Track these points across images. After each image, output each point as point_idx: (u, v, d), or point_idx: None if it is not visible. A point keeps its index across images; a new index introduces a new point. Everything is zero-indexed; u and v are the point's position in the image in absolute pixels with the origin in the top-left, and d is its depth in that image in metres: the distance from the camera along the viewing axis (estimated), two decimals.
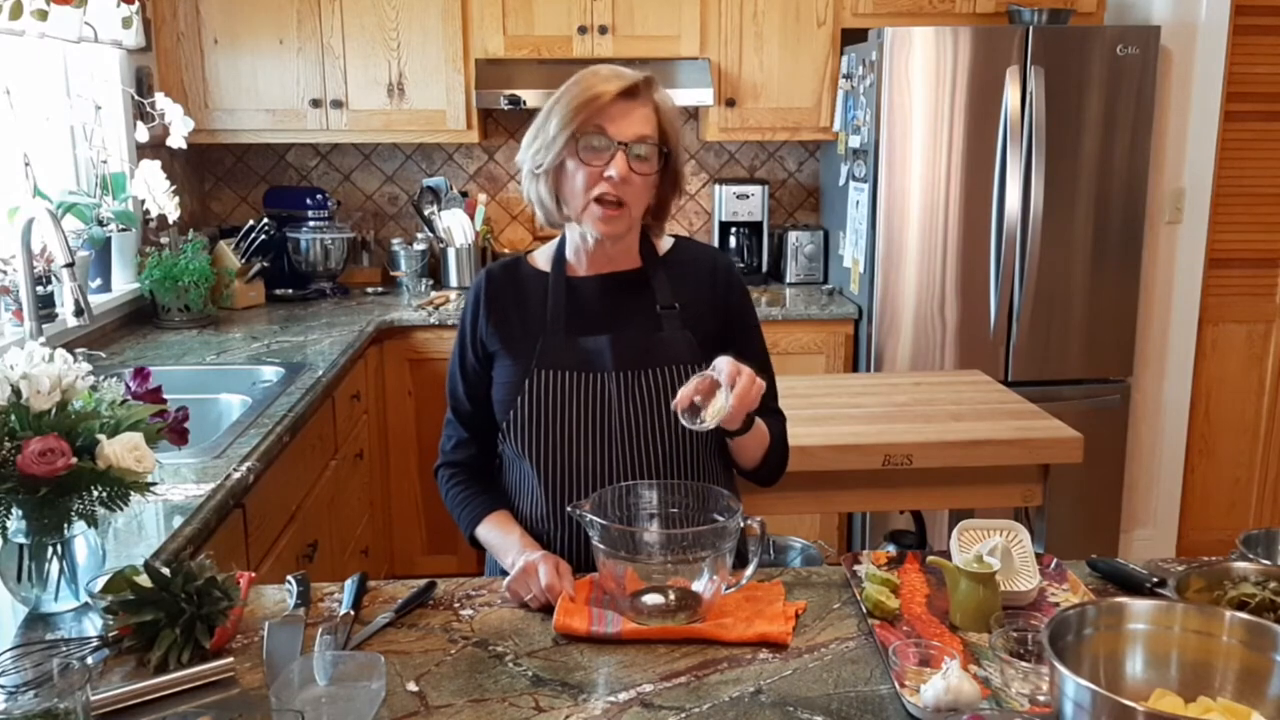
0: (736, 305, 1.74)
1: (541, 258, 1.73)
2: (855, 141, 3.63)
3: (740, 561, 1.51)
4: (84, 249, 3.03)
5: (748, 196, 4.03)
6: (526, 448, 1.65)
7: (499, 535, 1.67)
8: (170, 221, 3.25)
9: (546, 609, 1.47)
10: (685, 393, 1.48)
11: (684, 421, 1.48)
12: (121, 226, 3.23)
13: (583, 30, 3.69)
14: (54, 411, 1.40)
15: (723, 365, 1.50)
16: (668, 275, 1.70)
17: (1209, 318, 3.83)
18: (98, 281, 3.18)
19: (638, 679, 1.31)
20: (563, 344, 1.64)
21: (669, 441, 1.63)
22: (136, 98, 3.33)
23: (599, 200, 1.57)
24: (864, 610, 1.47)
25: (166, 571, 1.35)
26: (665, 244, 1.75)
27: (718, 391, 1.47)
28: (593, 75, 1.58)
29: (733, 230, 4.07)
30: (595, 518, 1.43)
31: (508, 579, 1.54)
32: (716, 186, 4.06)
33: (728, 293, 1.73)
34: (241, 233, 3.72)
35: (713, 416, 1.46)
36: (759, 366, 1.72)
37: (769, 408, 1.75)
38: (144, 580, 1.36)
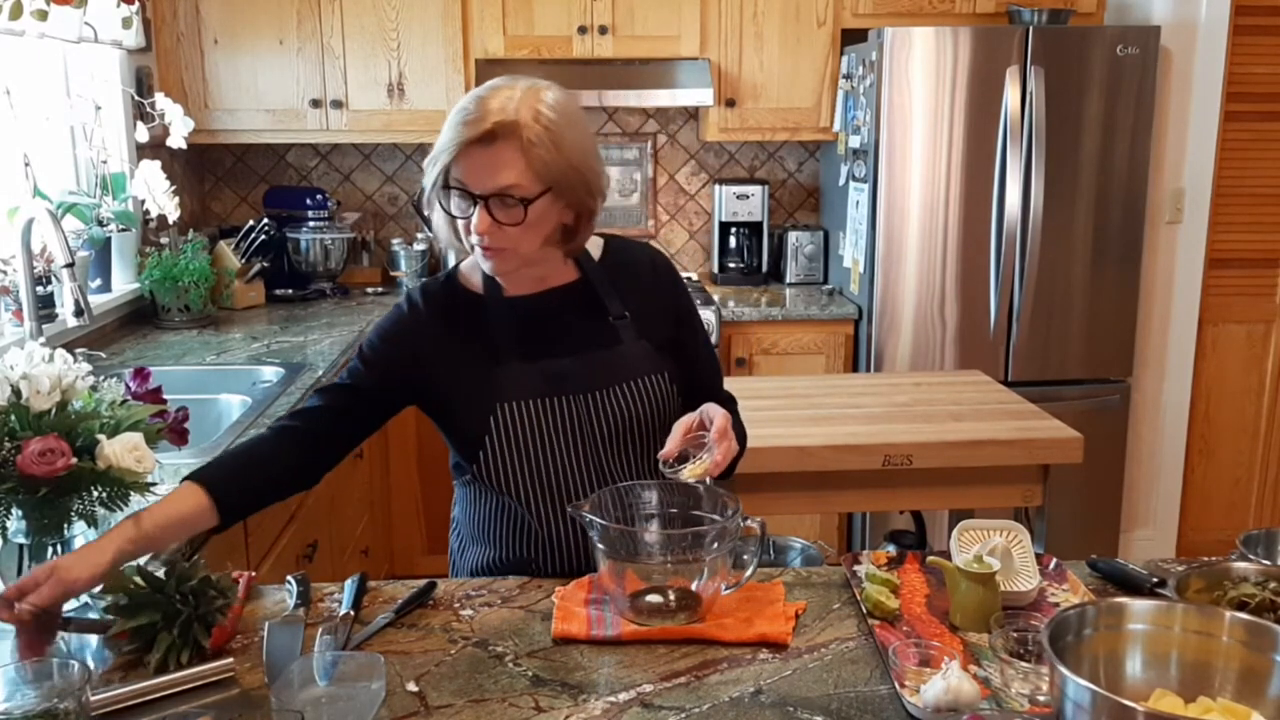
0: (683, 303, 1.71)
1: (473, 274, 1.63)
2: (855, 141, 3.63)
3: (739, 562, 1.51)
4: (84, 249, 3.03)
5: (748, 197, 4.03)
6: (507, 482, 1.60)
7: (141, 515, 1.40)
8: (170, 221, 3.25)
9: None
10: (671, 447, 1.48)
11: (664, 470, 1.48)
12: (121, 226, 3.23)
13: (583, 30, 3.69)
14: (54, 411, 1.40)
15: (713, 422, 1.48)
16: (611, 283, 1.64)
17: (1209, 318, 3.83)
18: (98, 281, 3.18)
19: (638, 679, 1.31)
20: (523, 372, 1.58)
21: (645, 455, 1.62)
22: (136, 98, 3.33)
23: (479, 245, 1.50)
24: (864, 610, 1.47)
25: (160, 574, 1.35)
26: (596, 246, 1.68)
27: (703, 454, 1.47)
28: (461, 110, 1.45)
29: (733, 230, 4.07)
30: (595, 518, 1.43)
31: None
32: (716, 186, 4.06)
33: (672, 292, 1.70)
34: (241, 233, 3.72)
35: (690, 474, 1.47)
36: (708, 358, 1.74)
37: (721, 397, 1.71)
38: (140, 583, 1.36)
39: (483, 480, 1.62)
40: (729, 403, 1.73)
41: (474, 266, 1.63)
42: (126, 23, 3.19)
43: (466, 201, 1.47)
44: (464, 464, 1.65)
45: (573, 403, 1.58)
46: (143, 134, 3.27)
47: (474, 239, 1.49)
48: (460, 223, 1.50)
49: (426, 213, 1.54)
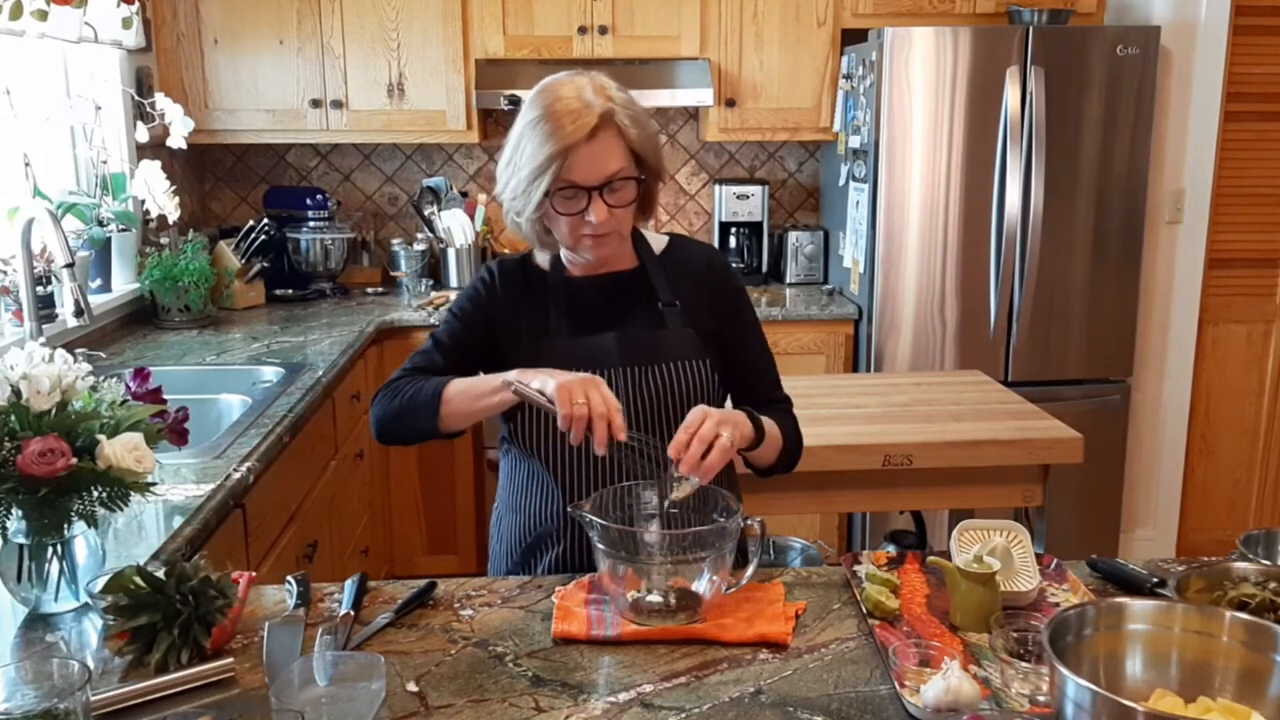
0: (732, 303, 1.75)
1: (542, 257, 1.74)
2: (855, 141, 3.63)
3: (740, 561, 1.51)
4: (84, 249, 3.03)
5: (748, 197, 4.03)
6: (537, 447, 1.66)
7: (478, 379, 1.62)
8: (170, 221, 3.25)
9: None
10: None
11: (670, 505, 1.48)
12: (121, 227, 3.23)
13: (583, 30, 3.69)
14: (54, 412, 1.40)
15: (688, 423, 1.47)
16: (666, 274, 1.71)
17: (1209, 318, 3.83)
18: (98, 282, 3.18)
19: (638, 679, 1.31)
20: (568, 344, 1.65)
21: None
22: (136, 98, 3.33)
23: (586, 235, 1.59)
24: (864, 610, 1.47)
25: (160, 574, 1.35)
26: (660, 242, 1.76)
27: (680, 479, 1.47)
28: (556, 114, 1.52)
29: (733, 230, 4.07)
30: (595, 518, 1.43)
31: (553, 383, 1.46)
32: (716, 186, 4.06)
33: (724, 291, 1.74)
34: (241, 233, 3.72)
35: (680, 495, 1.46)
36: (759, 357, 1.77)
37: (772, 397, 1.76)
38: (140, 583, 1.35)
39: (518, 443, 1.69)
40: (782, 402, 1.77)
41: (545, 254, 1.71)
42: (126, 23, 3.19)
43: (579, 197, 1.54)
44: (505, 433, 1.72)
45: (609, 376, 1.62)
46: (143, 134, 3.27)
47: (585, 230, 1.57)
48: (568, 223, 1.57)
49: (518, 217, 1.61)
